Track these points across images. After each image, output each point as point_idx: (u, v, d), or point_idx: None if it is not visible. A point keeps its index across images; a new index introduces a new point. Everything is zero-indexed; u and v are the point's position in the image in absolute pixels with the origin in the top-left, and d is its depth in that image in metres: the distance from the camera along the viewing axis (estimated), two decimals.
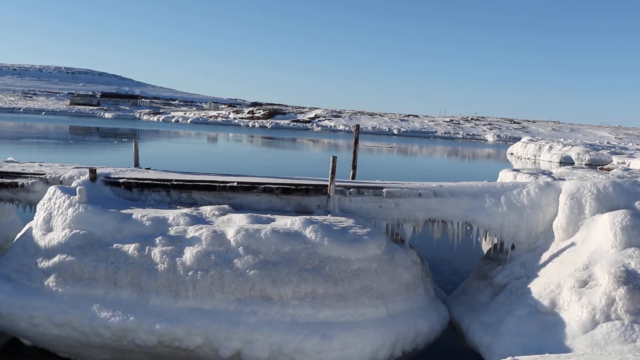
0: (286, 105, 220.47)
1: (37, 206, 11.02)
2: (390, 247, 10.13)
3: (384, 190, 11.04)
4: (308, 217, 10.13)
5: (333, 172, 10.94)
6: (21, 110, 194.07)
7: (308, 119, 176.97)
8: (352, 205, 11.11)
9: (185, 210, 10.46)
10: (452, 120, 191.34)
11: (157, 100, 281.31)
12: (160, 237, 9.64)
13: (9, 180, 11.95)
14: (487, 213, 11.00)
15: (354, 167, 13.19)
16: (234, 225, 9.87)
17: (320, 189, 11.12)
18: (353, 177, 13.12)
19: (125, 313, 9.19)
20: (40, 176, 11.91)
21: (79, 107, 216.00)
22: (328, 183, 11.15)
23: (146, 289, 9.35)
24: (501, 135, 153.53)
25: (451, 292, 12.56)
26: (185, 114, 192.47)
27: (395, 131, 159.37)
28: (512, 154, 78.48)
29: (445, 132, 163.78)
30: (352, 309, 9.28)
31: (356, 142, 13.24)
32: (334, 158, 10.96)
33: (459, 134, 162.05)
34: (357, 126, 13.11)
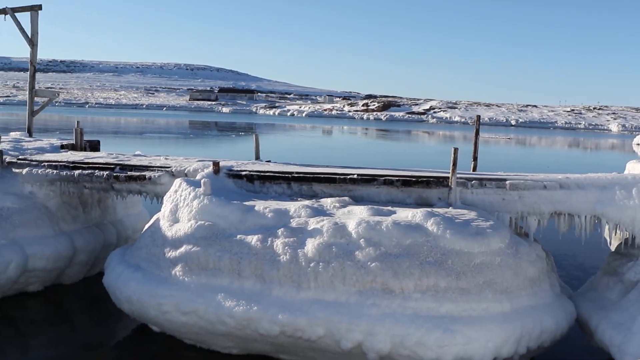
0: (401, 97, 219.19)
1: (164, 198, 11.40)
2: (514, 241, 9.86)
3: (507, 182, 10.74)
4: (429, 209, 10.00)
5: (454, 164, 10.74)
6: (144, 106, 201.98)
7: (423, 111, 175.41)
8: (474, 197, 10.88)
9: (306, 202, 10.55)
10: (572, 110, 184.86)
11: (272, 94, 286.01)
12: (282, 229, 9.76)
13: (138, 173, 12.43)
14: (617, 206, 10.51)
15: (475, 158, 12.92)
16: (354, 217, 9.87)
17: (441, 181, 10.96)
18: (474, 169, 12.86)
19: (249, 303, 9.37)
20: (167, 169, 12.31)
21: (198, 102, 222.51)
22: (449, 175, 10.96)
23: (269, 279, 9.49)
24: (626, 125, 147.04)
25: (577, 288, 12.10)
26: (300, 107, 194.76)
27: (513, 122, 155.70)
28: (638, 144, 74.98)
29: (566, 123, 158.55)
30: (475, 304, 9.09)
31: (477, 134, 12.96)
32: (456, 149, 10.76)
33: (580, 124, 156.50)
34: (478, 117, 12.84)
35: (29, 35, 18.53)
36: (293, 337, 9.30)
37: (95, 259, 14.18)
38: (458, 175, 10.96)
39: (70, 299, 13.53)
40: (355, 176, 11.20)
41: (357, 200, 10.99)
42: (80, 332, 12.00)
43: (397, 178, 11.10)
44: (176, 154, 15.96)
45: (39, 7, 18.48)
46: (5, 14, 18.90)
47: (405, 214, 9.87)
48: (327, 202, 10.58)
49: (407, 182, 11.03)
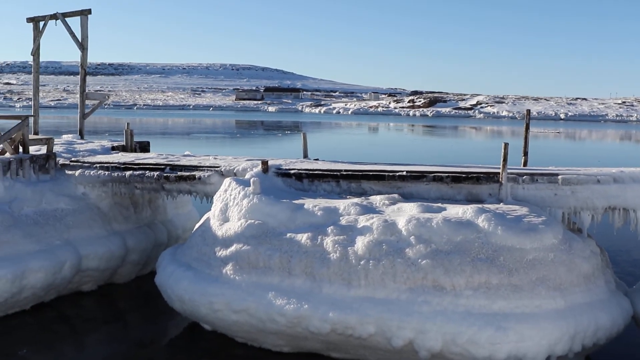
0: (447, 93, 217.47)
1: (214, 197, 11.50)
2: (567, 237, 9.69)
3: (560, 177, 10.56)
4: (480, 205, 9.90)
5: (505, 159, 10.60)
6: (191, 106, 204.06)
7: (470, 106, 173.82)
8: (526, 193, 10.72)
9: (356, 199, 10.53)
10: (624, 102, 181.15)
11: (318, 93, 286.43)
12: (332, 227, 9.76)
13: (187, 174, 12.56)
14: None
15: (525, 153, 12.73)
16: (404, 214, 9.82)
17: (491, 177, 10.83)
18: (524, 164, 12.67)
19: (299, 301, 9.39)
20: (216, 169, 12.41)
21: (244, 102, 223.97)
22: (499, 170, 10.82)
23: (319, 277, 9.50)
24: None
25: (633, 284, 11.86)
26: (346, 105, 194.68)
27: (562, 116, 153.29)
28: None
29: (617, 115, 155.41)
30: (528, 300, 8.95)
31: (527, 128, 12.77)
32: (506, 144, 10.62)
33: (632, 116, 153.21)
34: (528, 111, 12.66)
35: (79, 40, 18.84)
36: (344, 335, 9.30)
37: (146, 259, 14.38)
38: (508, 171, 10.82)
39: (123, 297, 13.75)
40: (404, 173, 11.13)
41: (406, 198, 10.93)
42: (133, 330, 12.17)
43: (446, 174, 11.00)
44: (224, 153, 16.09)
45: (89, 11, 18.79)
46: (57, 19, 19.26)
47: (456, 211, 9.79)
48: (377, 200, 10.55)
49: (457, 179, 10.93)
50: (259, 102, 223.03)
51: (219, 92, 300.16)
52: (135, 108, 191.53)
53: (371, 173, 11.32)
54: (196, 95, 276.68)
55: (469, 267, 9.00)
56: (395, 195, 10.73)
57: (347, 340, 9.41)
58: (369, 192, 11.28)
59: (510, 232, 9.21)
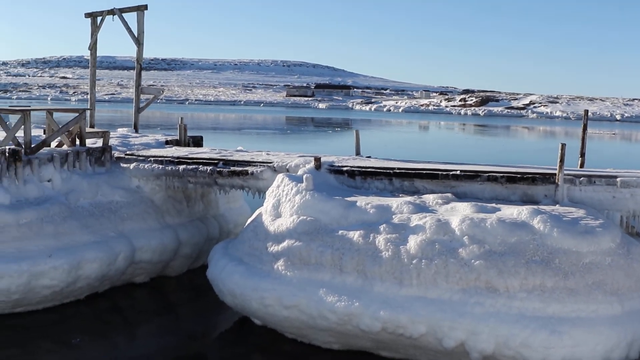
0: (499, 92, 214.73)
1: (266, 193, 11.54)
2: (625, 241, 9.50)
3: (619, 179, 10.34)
4: (535, 206, 9.74)
5: (562, 160, 10.41)
6: (242, 102, 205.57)
7: (522, 106, 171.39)
8: (583, 195, 10.52)
9: (408, 198, 10.46)
10: None
11: (368, 90, 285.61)
12: (384, 225, 9.71)
13: (240, 169, 12.63)
14: None
15: (582, 154, 12.50)
16: (458, 214, 9.72)
17: (547, 178, 10.65)
18: (581, 165, 12.44)
19: (350, 298, 9.37)
20: (269, 164, 12.45)
21: (295, 98, 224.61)
22: (556, 171, 10.64)
23: (371, 275, 9.47)
24: None
25: None
26: (396, 102, 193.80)
27: (618, 117, 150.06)
28: None
29: None
30: (584, 305, 8.79)
31: (584, 129, 12.54)
32: (563, 145, 10.43)
33: None
34: (586, 112, 12.44)
35: (135, 35, 19.11)
36: (394, 334, 9.25)
37: (198, 252, 14.51)
38: (565, 172, 10.63)
39: (174, 290, 13.90)
40: (458, 172, 11.02)
41: (460, 197, 10.83)
42: (184, 323, 12.30)
43: (501, 174, 10.86)
44: (274, 149, 16.18)
45: (145, 7, 19.03)
46: (114, 14, 19.57)
47: (510, 212, 9.65)
48: (430, 199, 10.47)
49: (512, 179, 10.78)
50: (310, 98, 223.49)
51: (269, 88, 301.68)
52: (187, 103, 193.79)
53: (424, 172, 11.24)
54: (247, 91, 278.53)
55: (523, 269, 8.87)
56: (449, 195, 10.64)
57: (398, 340, 9.36)
58: (421, 190, 11.20)
59: (566, 235, 9.05)
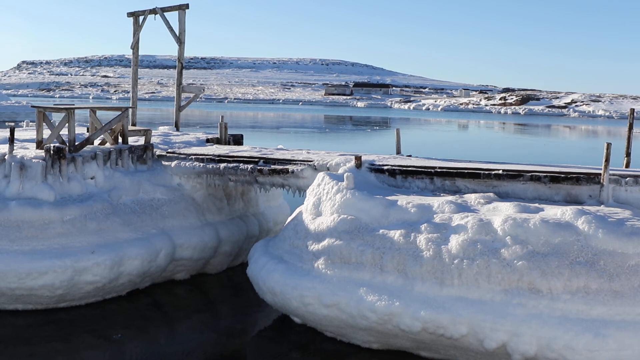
0: (540, 91, 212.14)
1: (307, 191, 11.55)
2: None
3: None
4: (579, 207, 9.58)
5: (607, 160, 10.22)
6: (280, 101, 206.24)
7: (564, 104, 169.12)
8: (629, 195, 10.33)
9: (450, 197, 10.37)
10: None
11: (407, 89, 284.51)
12: (425, 224, 9.65)
13: (281, 167, 12.65)
14: None
15: (628, 154, 12.26)
16: (500, 214, 9.61)
17: (592, 178, 10.47)
18: (627, 165, 12.20)
19: (390, 298, 9.33)
20: (309, 163, 12.45)
21: (333, 97, 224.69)
22: (600, 171, 10.46)
23: (411, 275, 9.41)
24: None
25: None
26: (435, 101, 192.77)
27: None
28: None
29: None
30: (630, 308, 8.61)
31: (630, 128, 12.29)
32: (609, 145, 10.25)
33: None
34: (632, 110, 12.16)
35: (177, 34, 19.26)
36: (435, 335, 9.19)
37: (238, 250, 14.58)
38: (610, 172, 10.44)
39: (214, 287, 13.99)
40: (500, 171, 10.90)
41: (502, 197, 10.71)
42: (223, 320, 12.37)
43: (544, 174, 10.70)
44: (312, 147, 16.19)
45: (186, 6, 19.18)
46: (155, 13, 19.76)
47: (554, 212, 9.51)
48: (471, 198, 10.37)
49: (555, 179, 10.62)
50: (348, 97, 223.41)
51: (308, 86, 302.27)
52: (226, 102, 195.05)
53: (466, 171, 11.13)
54: (286, 89, 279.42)
55: (567, 270, 8.74)
56: (491, 194, 10.53)
57: (438, 340, 9.30)
58: (463, 190, 11.10)
59: (611, 236, 8.89)
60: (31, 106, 15.18)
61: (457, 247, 9.21)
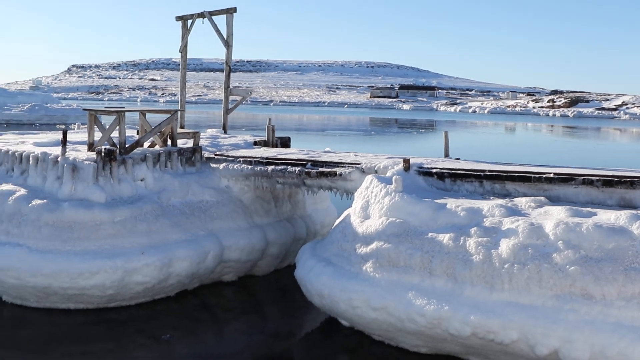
0: (589, 93, 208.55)
1: (355, 194, 11.52)
2: None
3: None
4: (634, 211, 9.37)
5: None
6: (326, 103, 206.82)
7: (614, 107, 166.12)
8: None
9: (500, 201, 10.24)
10: None
11: (453, 91, 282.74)
12: (475, 228, 9.54)
13: (329, 170, 12.64)
14: None
15: None
16: (551, 218, 9.45)
17: None
18: None
19: (439, 302, 9.25)
20: (357, 166, 12.42)
21: (379, 99, 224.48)
22: None
23: (461, 279, 9.32)
24: None
25: None
26: (482, 104, 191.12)
27: None
28: None
29: None
30: None
31: None
32: None
33: None
34: None
35: (225, 37, 19.42)
36: (485, 340, 9.08)
37: (286, 252, 14.61)
38: None
39: (262, 289, 14.04)
40: (551, 175, 10.72)
41: (553, 201, 10.53)
42: (270, 322, 12.42)
43: (597, 177, 10.49)
44: (358, 150, 16.15)
45: (234, 9, 19.33)
46: (203, 17, 19.95)
47: (608, 216, 9.32)
48: (522, 202, 10.23)
49: (609, 182, 10.40)
50: (394, 100, 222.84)
51: (353, 89, 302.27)
52: (271, 104, 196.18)
53: (516, 174, 10.97)
54: (331, 92, 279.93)
55: (622, 276, 8.54)
56: (542, 198, 10.37)
57: (488, 345, 9.19)
58: (513, 193, 10.95)
59: None
60: (83, 109, 15.46)
61: (507, 251, 9.08)
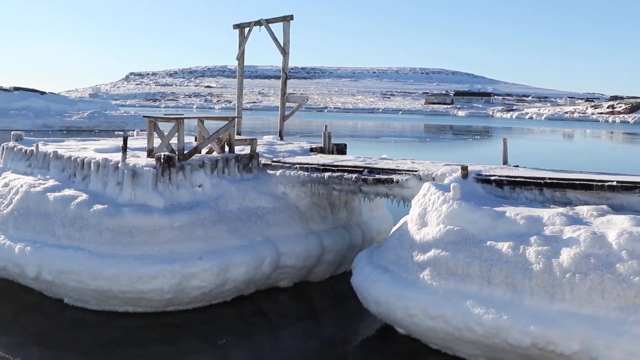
0: None
1: (412, 202, 11.45)
2: None
3: None
4: None
5: None
6: (380, 110, 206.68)
7: None
8: None
9: (560, 209, 10.05)
10: None
11: (509, 97, 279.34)
12: (535, 237, 9.38)
13: (385, 177, 12.59)
14: None
15: None
16: (615, 227, 9.23)
17: None
18: None
19: (498, 311, 9.12)
20: (414, 173, 12.34)
21: (433, 106, 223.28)
22: None
23: (520, 288, 9.17)
24: None
25: None
26: (539, 110, 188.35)
27: None
28: None
29: None
30: None
31: None
32: None
33: None
34: None
35: (281, 44, 19.55)
36: (544, 350, 8.91)
37: (341, 259, 14.60)
38: None
39: (317, 296, 14.05)
40: (614, 183, 10.47)
41: (616, 209, 10.28)
42: (326, 328, 12.41)
43: None
44: (412, 157, 16.05)
45: (291, 17, 19.46)
46: (260, 25, 20.13)
47: None
48: (583, 210, 10.02)
49: None
50: (449, 106, 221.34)
51: (408, 95, 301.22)
52: (325, 111, 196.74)
53: (577, 182, 10.76)
54: (385, 99, 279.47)
55: None
56: (604, 207, 10.14)
57: (547, 356, 9.01)
58: (574, 202, 10.74)
59: None
60: (143, 116, 15.72)
61: (568, 260, 8.90)
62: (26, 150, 15.55)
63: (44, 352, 10.67)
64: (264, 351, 11.11)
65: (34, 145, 15.41)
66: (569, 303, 8.82)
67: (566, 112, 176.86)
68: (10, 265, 12.68)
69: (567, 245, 9.07)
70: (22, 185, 13.75)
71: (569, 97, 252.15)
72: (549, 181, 10.96)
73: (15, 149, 15.98)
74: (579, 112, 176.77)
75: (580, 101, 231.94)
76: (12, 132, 17.21)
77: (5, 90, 79.52)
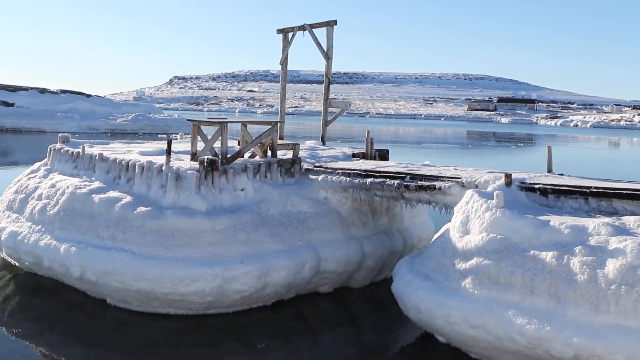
0: None
1: (455, 209, 11.36)
2: None
3: None
4: None
5: None
6: (422, 116, 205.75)
7: None
8: None
9: (606, 219, 9.87)
10: None
11: (554, 104, 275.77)
12: (579, 247, 9.23)
13: (428, 183, 12.53)
14: None
15: None
16: None
17: None
18: None
19: (541, 322, 8.99)
20: (457, 180, 12.25)
21: (476, 112, 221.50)
22: None
23: (564, 299, 9.02)
24: None
25: None
26: (584, 117, 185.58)
27: None
28: None
29: None
30: None
31: None
32: None
33: None
34: None
35: (325, 49, 19.58)
36: None
37: (382, 265, 14.55)
38: None
39: (357, 302, 14.01)
40: None
41: None
42: (365, 335, 12.36)
43: None
44: (454, 163, 15.93)
45: (334, 22, 19.48)
46: (304, 30, 20.20)
47: None
48: (630, 221, 9.82)
49: None
50: (492, 112, 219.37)
51: (450, 102, 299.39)
52: (367, 116, 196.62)
53: (624, 191, 10.56)
54: (428, 104, 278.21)
55: None
56: None
57: None
58: (620, 211, 10.55)
59: None
60: (187, 120, 15.89)
61: (614, 271, 8.74)
62: (72, 152, 15.82)
63: (86, 351, 10.83)
64: (303, 356, 11.13)
65: (80, 147, 15.66)
66: (614, 315, 8.65)
67: (612, 120, 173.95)
68: (56, 265, 12.91)
69: (613, 256, 8.90)
70: (68, 187, 13.99)
71: (616, 105, 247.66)
72: (594, 190, 10.79)
73: (62, 150, 16.26)
74: (625, 120, 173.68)
75: (627, 109, 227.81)
76: (59, 134, 17.50)
77: (52, 92, 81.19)
